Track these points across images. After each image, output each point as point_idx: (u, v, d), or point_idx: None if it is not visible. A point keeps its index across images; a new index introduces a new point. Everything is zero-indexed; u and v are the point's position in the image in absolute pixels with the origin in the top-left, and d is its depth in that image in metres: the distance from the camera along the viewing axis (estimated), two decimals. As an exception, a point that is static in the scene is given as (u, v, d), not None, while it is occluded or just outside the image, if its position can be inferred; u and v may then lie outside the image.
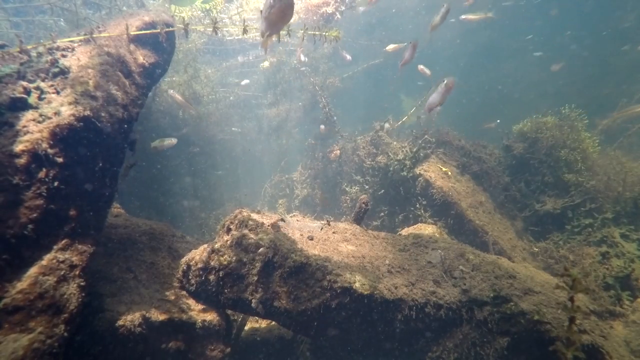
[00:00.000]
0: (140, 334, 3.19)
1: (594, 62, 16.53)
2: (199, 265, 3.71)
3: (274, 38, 3.29)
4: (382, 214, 7.05)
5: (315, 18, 8.05)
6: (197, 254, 3.83)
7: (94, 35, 3.52)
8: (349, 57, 10.77)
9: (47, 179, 2.72)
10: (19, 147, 2.65)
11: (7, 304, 2.41)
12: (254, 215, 3.81)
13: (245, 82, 9.36)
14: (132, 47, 4.01)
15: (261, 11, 2.96)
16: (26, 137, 2.69)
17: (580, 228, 6.26)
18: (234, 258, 3.54)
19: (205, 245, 3.93)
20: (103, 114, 3.11)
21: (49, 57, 3.21)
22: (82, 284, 2.80)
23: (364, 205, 4.74)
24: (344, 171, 8.16)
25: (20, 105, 2.83)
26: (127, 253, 3.90)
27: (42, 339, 2.46)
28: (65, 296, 2.66)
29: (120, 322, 3.10)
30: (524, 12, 17.17)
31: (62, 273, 2.69)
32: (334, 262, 3.39)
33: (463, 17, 10.25)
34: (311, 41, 4.09)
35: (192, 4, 7.69)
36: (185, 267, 3.85)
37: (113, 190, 3.39)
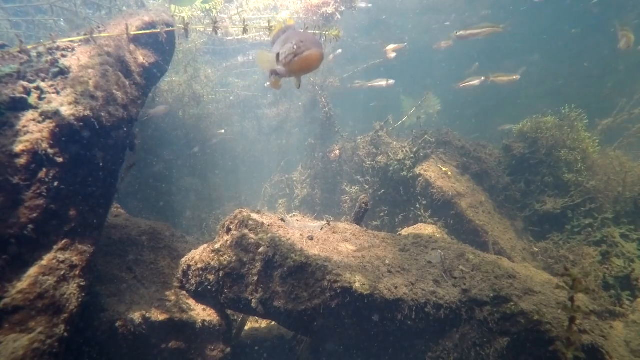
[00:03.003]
0: (140, 333, 3.19)
1: (594, 61, 16.54)
2: (199, 265, 3.71)
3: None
4: (382, 214, 7.05)
5: (315, 18, 8.03)
6: (197, 254, 3.83)
7: (94, 35, 3.52)
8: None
9: (47, 179, 2.72)
10: (19, 147, 2.64)
11: (7, 304, 2.41)
12: (254, 215, 3.82)
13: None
14: (132, 47, 4.01)
15: (278, 54, 2.43)
16: (26, 137, 2.69)
17: (580, 228, 6.26)
18: (234, 258, 3.55)
19: (206, 245, 3.93)
20: (103, 114, 3.11)
21: (49, 57, 3.20)
22: (82, 284, 2.80)
23: (364, 205, 4.74)
24: (344, 171, 8.16)
25: (20, 105, 2.83)
26: (127, 253, 3.90)
27: (42, 339, 2.46)
28: (65, 296, 2.66)
29: (120, 322, 3.10)
30: (523, 11, 17.17)
31: (62, 273, 2.69)
32: (334, 262, 3.39)
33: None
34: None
35: (192, 4, 7.68)
36: (185, 267, 3.85)
37: (113, 190, 3.39)
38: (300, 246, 3.50)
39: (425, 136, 7.01)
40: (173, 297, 3.66)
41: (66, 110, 2.88)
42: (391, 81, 10.33)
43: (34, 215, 2.63)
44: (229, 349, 3.75)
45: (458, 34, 7.37)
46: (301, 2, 8.15)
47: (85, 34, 3.52)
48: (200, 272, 3.70)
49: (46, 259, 2.67)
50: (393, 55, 9.88)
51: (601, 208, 6.34)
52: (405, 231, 5.72)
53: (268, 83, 2.79)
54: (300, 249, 3.43)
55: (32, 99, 2.89)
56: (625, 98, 9.55)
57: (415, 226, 6.04)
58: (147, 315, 3.28)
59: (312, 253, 3.44)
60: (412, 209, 6.64)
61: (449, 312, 3.34)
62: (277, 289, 3.37)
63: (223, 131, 9.05)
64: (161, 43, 4.33)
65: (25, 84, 2.93)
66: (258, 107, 11.93)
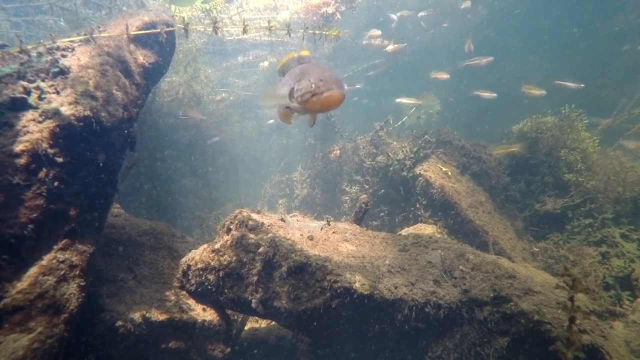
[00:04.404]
0: (140, 334, 3.19)
1: (594, 61, 16.53)
2: (199, 265, 3.71)
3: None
4: (382, 214, 7.05)
5: (315, 18, 8.04)
6: (197, 254, 3.83)
7: (94, 35, 3.52)
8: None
9: (47, 179, 2.72)
10: (19, 147, 2.65)
11: (7, 304, 2.41)
12: (254, 215, 3.82)
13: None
14: (132, 47, 4.01)
15: (292, 89, 2.24)
16: (26, 137, 2.69)
17: (580, 228, 6.26)
18: (234, 258, 3.55)
19: (206, 245, 3.93)
20: (103, 114, 3.11)
21: (49, 57, 3.20)
22: (82, 284, 2.80)
23: (364, 205, 4.74)
24: (344, 171, 8.16)
25: (20, 105, 2.83)
26: (127, 253, 3.90)
27: (42, 339, 2.46)
28: (65, 296, 2.66)
29: (120, 322, 3.11)
30: (523, 11, 17.15)
31: (62, 273, 2.69)
32: (334, 262, 3.39)
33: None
34: (311, 41, 4.09)
35: (192, 4, 7.68)
36: (185, 267, 3.85)
37: (113, 190, 3.39)
38: (300, 246, 3.50)
39: (425, 136, 7.00)
40: (173, 297, 3.66)
41: (66, 110, 2.88)
42: (490, 58, 10.35)
43: (34, 215, 2.63)
44: (229, 349, 3.75)
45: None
46: (301, 2, 8.15)
47: (85, 34, 3.52)
48: (200, 272, 3.70)
49: (46, 259, 2.67)
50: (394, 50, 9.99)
51: (601, 208, 6.33)
52: (405, 231, 5.72)
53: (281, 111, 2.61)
54: (300, 249, 3.43)
55: (32, 99, 2.89)
56: (625, 98, 9.55)
57: (415, 226, 6.03)
58: (147, 315, 3.28)
59: (312, 253, 3.44)
60: (412, 209, 6.64)
61: (449, 312, 3.34)
62: (277, 289, 3.37)
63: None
64: (161, 43, 4.33)
65: (25, 84, 2.93)
66: (258, 107, 11.92)
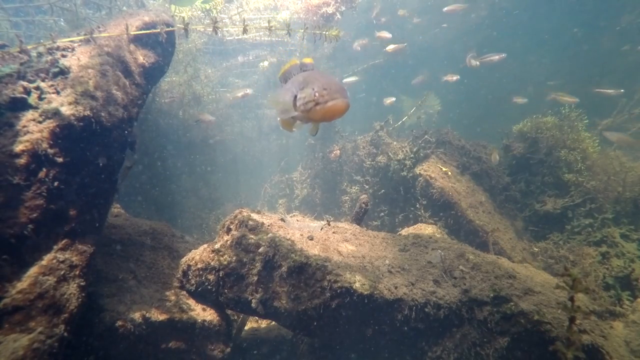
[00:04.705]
0: (140, 333, 3.19)
1: (594, 61, 16.54)
2: (199, 265, 3.71)
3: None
4: (382, 214, 7.05)
5: (315, 18, 8.04)
6: (197, 254, 3.83)
7: (94, 35, 3.52)
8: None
9: (47, 179, 2.72)
10: (19, 147, 2.65)
11: (7, 304, 2.41)
12: (254, 215, 3.82)
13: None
14: (132, 47, 4.01)
15: (295, 97, 2.18)
16: (26, 137, 2.69)
17: (580, 228, 6.26)
18: (234, 258, 3.55)
19: (206, 245, 3.93)
20: (103, 114, 3.11)
21: (49, 57, 3.21)
22: (82, 284, 2.80)
23: (364, 205, 4.74)
24: (344, 171, 8.16)
25: (20, 105, 2.83)
26: (127, 253, 3.90)
27: (42, 339, 2.46)
28: (65, 296, 2.66)
29: (120, 322, 3.11)
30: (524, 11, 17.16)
31: (62, 273, 2.69)
32: (334, 262, 3.39)
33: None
34: (311, 41, 4.08)
35: (192, 4, 7.69)
36: (185, 267, 3.85)
37: (113, 190, 3.39)
38: (300, 246, 3.50)
39: (425, 136, 7.01)
40: (173, 297, 3.66)
41: (66, 110, 2.88)
42: (503, 55, 10.52)
43: (34, 215, 2.63)
44: (228, 349, 3.75)
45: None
46: (301, 2, 8.15)
47: (85, 34, 3.52)
48: (200, 272, 3.70)
49: (46, 259, 2.67)
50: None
51: (601, 208, 6.33)
52: (405, 231, 5.72)
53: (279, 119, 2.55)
54: (300, 249, 3.43)
55: (32, 99, 2.89)
56: (625, 98, 9.54)
57: (415, 226, 6.03)
58: (147, 315, 3.28)
59: (312, 253, 3.44)
60: (412, 209, 6.64)
61: (449, 312, 3.34)
62: (277, 289, 3.37)
63: (218, 138, 9.15)
64: (161, 43, 4.33)
65: (25, 84, 2.93)
66: (258, 107, 11.92)
